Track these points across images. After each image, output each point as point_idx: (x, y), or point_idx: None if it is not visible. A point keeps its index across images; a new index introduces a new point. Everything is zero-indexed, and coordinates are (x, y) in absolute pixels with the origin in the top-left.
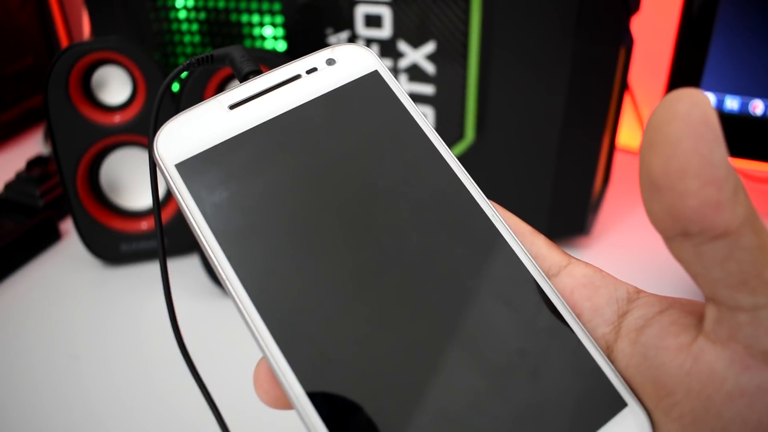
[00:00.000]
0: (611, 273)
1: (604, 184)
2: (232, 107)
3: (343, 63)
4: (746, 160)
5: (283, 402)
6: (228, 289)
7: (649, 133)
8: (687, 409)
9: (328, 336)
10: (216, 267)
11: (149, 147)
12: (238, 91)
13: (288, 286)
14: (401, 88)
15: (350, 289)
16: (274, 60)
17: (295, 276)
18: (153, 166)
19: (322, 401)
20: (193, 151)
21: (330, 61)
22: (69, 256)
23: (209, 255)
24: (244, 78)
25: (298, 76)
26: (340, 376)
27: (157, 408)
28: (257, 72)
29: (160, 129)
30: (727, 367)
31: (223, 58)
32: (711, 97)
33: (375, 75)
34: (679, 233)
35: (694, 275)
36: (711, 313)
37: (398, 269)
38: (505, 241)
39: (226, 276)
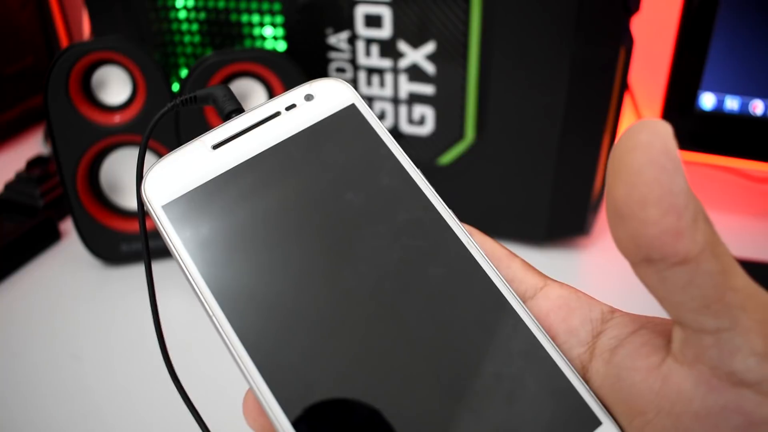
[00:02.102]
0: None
1: (604, 185)
2: (215, 147)
3: (321, 98)
4: (746, 160)
5: (271, 430)
6: (215, 325)
7: (613, 162)
8: (658, 428)
9: (312, 368)
10: (203, 303)
11: (137, 189)
12: (220, 130)
13: (273, 322)
14: (377, 119)
15: (332, 321)
16: (274, 60)
17: (281, 311)
18: (141, 206)
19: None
20: (179, 192)
21: (308, 97)
22: (69, 256)
23: (197, 293)
24: (226, 117)
25: (277, 113)
26: (324, 406)
27: (158, 408)
28: (239, 111)
29: (147, 171)
30: (695, 388)
31: (206, 98)
32: (710, 98)
33: (352, 108)
34: (643, 259)
35: (659, 299)
36: (678, 335)
37: (377, 299)
38: (480, 266)
39: (213, 313)
